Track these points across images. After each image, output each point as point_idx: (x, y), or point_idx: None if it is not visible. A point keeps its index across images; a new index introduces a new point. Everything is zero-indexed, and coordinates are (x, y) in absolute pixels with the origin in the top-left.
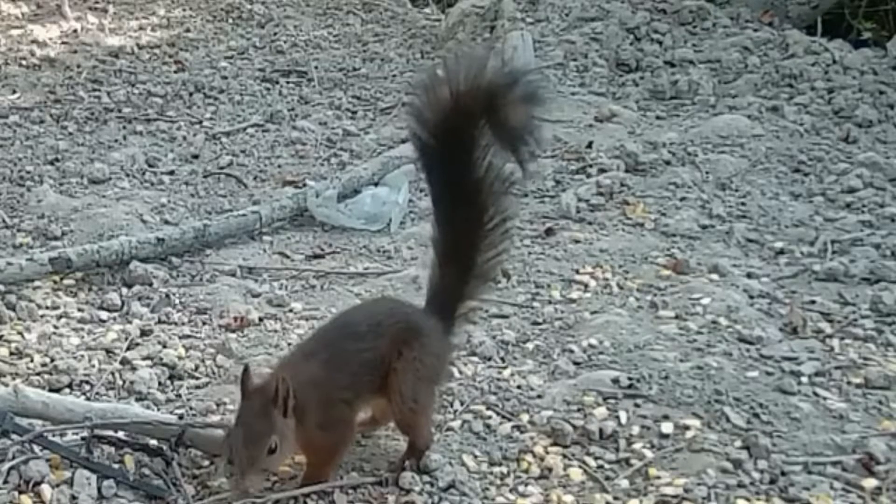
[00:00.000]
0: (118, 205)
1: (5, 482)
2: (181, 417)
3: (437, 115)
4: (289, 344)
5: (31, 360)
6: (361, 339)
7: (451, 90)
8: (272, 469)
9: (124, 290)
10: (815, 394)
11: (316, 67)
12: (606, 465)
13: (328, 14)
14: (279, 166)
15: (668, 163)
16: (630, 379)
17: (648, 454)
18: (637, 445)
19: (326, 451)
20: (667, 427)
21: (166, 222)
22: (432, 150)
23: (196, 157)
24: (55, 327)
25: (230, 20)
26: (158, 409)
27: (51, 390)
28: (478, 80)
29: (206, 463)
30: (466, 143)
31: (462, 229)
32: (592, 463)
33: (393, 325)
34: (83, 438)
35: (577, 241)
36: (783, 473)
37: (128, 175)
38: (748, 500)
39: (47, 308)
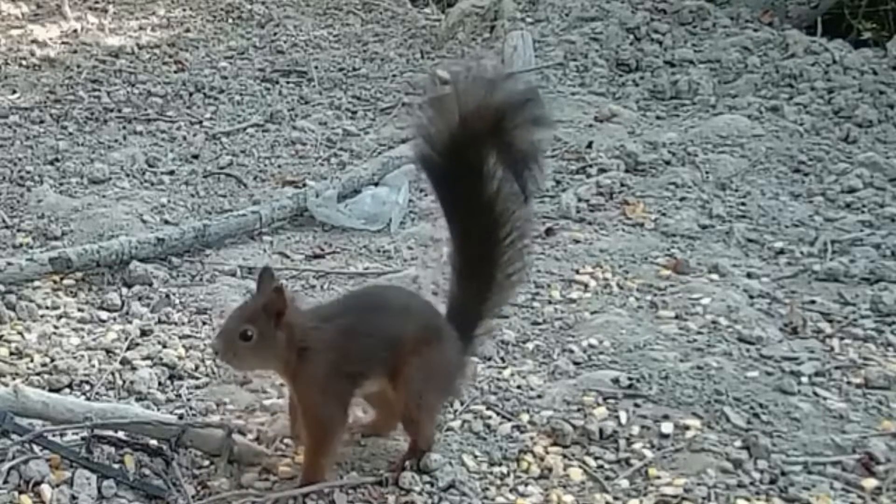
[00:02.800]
0: (118, 205)
1: (5, 482)
2: (181, 417)
3: (445, 134)
4: None
5: (31, 360)
6: (389, 315)
7: (459, 110)
8: (243, 360)
9: (124, 290)
10: (815, 394)
11: (316, 67)
12: (606, 465)
13: (328, 14)
14: (279, 166)
15: (668, 163)
16: (630, 379)
17: (648, 454)
18: (637, 445)
19: (318, 427)
20: (667, 427)
21: (166, 222)
22: (442, 169)
23: (196, 157)
24: (55, 327)
25: (230, 20)
26: (158, 409)
27: (51, 390)
28: (487, 99)
29: (206, 463)
30: (476, 161)
31: (477, 247)
32: (592, 463)
33: (421, 316)
34: (83, 438)
35: (577, 241)
36: (783, 473)
37: (128, 175)
38: (748, 500)
39: (47, 308)
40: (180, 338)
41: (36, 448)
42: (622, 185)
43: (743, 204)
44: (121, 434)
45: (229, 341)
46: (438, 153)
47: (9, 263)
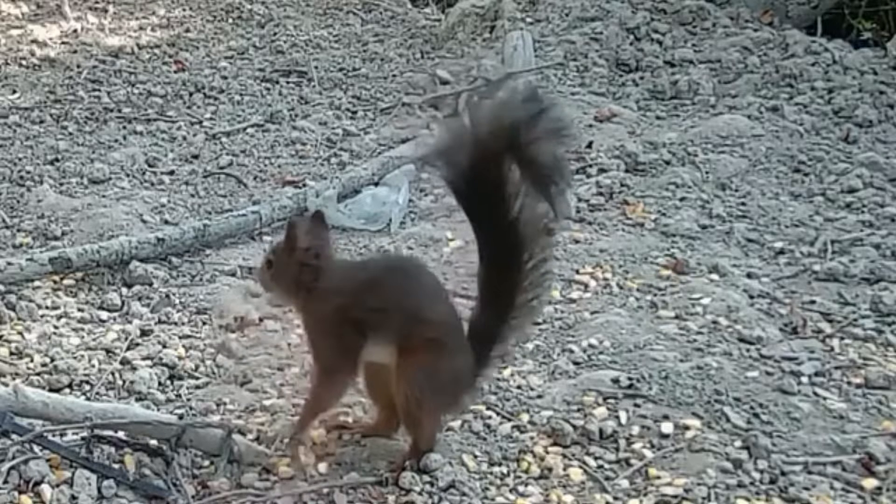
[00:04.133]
0: (118, 205)
1: (5, 482)
2: (181, 417)
3: (463, 159)
4: (289, 344)
5: (31, 360)
6: (416, 285)
7: (474, 132)
8: (267, 286)
9: (124, 290)
10: (815, 394)
11: (316, 67)
12: (606, 465)
13: (328, 14)
14: (279, 166)
15: (668, 163)
16: (630, 379)
17: (648, 454)
18: (637, 445)
19: (320, 369)
20: (667, 427)
21: (166, 222)
22: (465, 194)
23: (196, 157)
24: (55, 327)
25: (230, 20)
26: (158, 409)
27: (51, 390)
28: (500, 119)
29: (206, 463)
30: (495, 183)
31: (501, 269)
32: (592, 463)
33: (446, 311)
34: (83, 438)
35: (577, 241)
36: (783, 473)
37: (128, 175)
38: (748, 500)
39: (47, 308)
40: (180, 338)
41: (36, 448)
42: (622, 185)
43: (743, 204)
44: (121, 434)
45: (261, 267)
46: (460, 178)
47: (9, 263)
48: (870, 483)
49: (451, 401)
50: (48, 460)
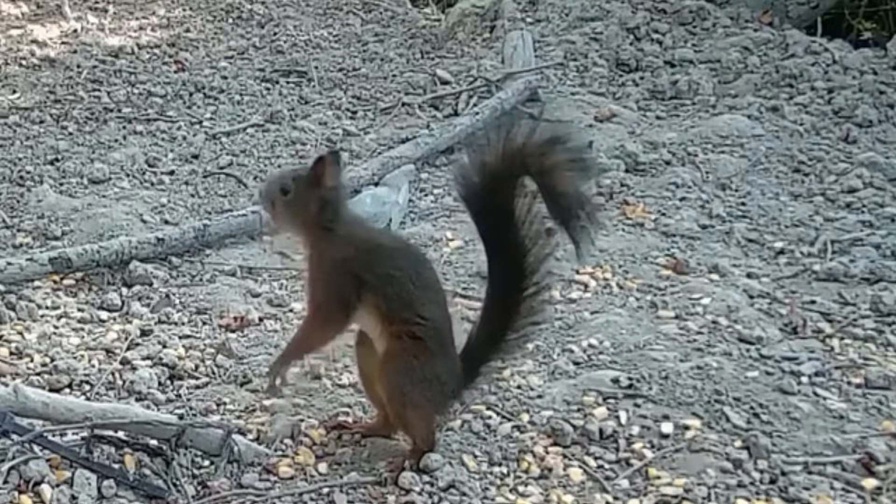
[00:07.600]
0: (118, 205)
1: (5, 482)
2: (181, 417)
3: (476, 180)
4: None
5: (31, 360)
6: (419, 277)
7: (487, 156)
8: (276, 212)
9: (124, 290)
10: (815, 394)
11: (316, 67)
12: (606, 465)
13: (328, 14)
14: (279, 166)
15: (668, 163)
16: (630, 379)
17: (648, 454)
18: (637, 445)
19: (315, 307)
20: (667, 427)
21: (166, 222)
22: (476, 214)
23: (196, 157)
24: (55, 327)
25: (230, 20)
26: (158, 409)
27: (51, 390)
28: (511, 143)
29: (206, 463)
30: (504, 208)
31: (503, 290)
32: (592, 463)
33: (438, 314)
34: (83, 438)
35: None
36: (783, 473)
37: (128, 175)
38: (748, 500)
39: (47, 308)
40: (180, 338)
41: (36, 448)
42: (622, 185)
43: (743, 204)
44: (121, 434)
45: (271, 190)
46: (472, 199)
47: (9, 263)
48: (870, 483)
49: (434, 400)
50: (48, 460)
